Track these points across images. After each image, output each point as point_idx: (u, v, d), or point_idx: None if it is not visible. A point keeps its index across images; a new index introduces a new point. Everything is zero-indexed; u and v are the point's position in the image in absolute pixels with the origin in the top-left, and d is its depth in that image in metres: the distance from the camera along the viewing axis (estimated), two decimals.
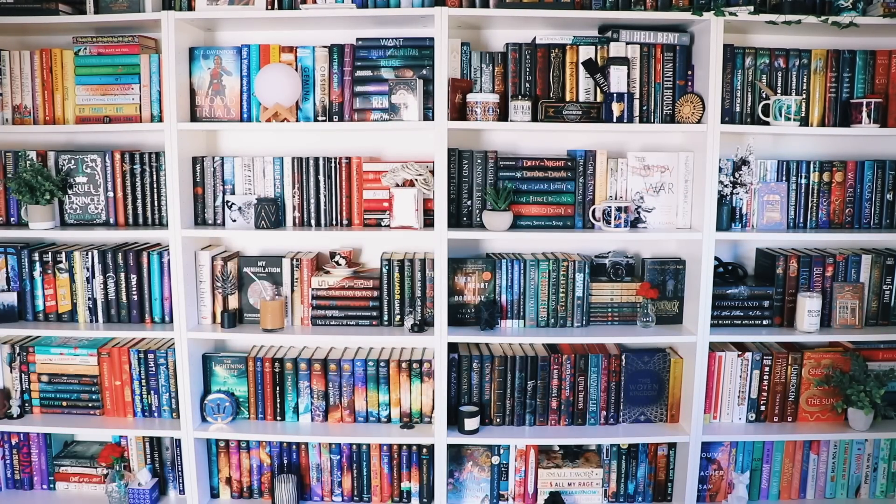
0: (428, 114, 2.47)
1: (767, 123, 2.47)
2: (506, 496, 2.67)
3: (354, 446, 2.65)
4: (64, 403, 2.64)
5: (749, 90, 2.51)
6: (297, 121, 2.52)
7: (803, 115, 2.50)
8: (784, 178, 2.55)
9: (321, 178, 2.55)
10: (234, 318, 2.55)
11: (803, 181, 2.56)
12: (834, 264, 2.55)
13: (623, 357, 2.58)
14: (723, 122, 2.44)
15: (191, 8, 2.46)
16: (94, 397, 2.63)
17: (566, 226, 2.55)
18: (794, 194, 2.56)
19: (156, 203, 2.57)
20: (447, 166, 2.43)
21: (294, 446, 2.66)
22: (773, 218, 2.53)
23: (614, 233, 2.48)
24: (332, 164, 2.55)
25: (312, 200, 2.56)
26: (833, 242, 2.70)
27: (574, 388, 2.59)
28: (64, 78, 2.51)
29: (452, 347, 2.59)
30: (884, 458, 2.67)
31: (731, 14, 2.34)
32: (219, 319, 2.58)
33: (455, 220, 2.54)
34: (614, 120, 2.44)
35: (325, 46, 2.50)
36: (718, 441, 2.61)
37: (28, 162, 2.54)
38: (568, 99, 2.51)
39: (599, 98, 2.49)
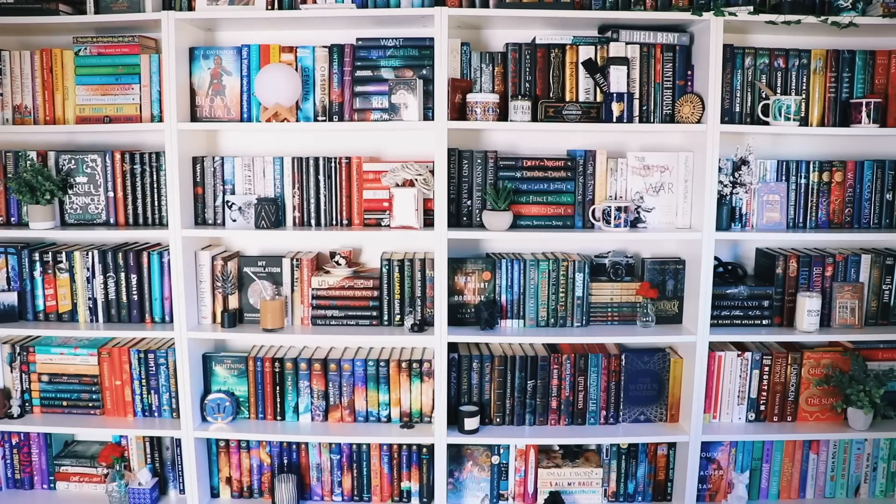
0: (428, 114, 2.48)
1: (767, 123, 2.47)
2: (506, 496, 2.67)
3: (354, 446, 2.65)
4: (64, 403, 2.64)
5: (749, 90, 2.51)
6: (297, 121, 2.52)
7: (803, 115, 2.51)
8: (784, 178, 2.55)
9: (321, 178, 2.55)
10: (234, 318, 2.56)
11: (803, 181, 2.56)
12: (833, 264, 2.56)
13: (623, 357, 2.59)
14: (722, 122, 2.44)
15: (191, 8, 2.46)
16: (94, 397, 2.64)
17: (566, 226, 2.55)
18: (793, 194, 2.56)
19: (156, 203, 2.57)
20: (447, 166, 2.43)
21: (294, 446, 2.67)
22: (772, 218, 2.54)
23: (614, 233, 2.48)
24: (332, 164, 2.55)
25: (312, 200, 2.56)
26: (833, 242, 2.71)
27: (574, 387, 2.59)
28: (64, 78, 2.52)
29: (452, 347, 2.59)
30: (883, 457, 2.67)
31: (730, 14, 2.34)
32: (219, 319, 2.58)
33: (455, 220, 2.54)
34: (614, 120, 2.44)
35: (325, 46, 2.50)
36: (718, 441, 2.61)
37: (28, 162, 2.55)
38: (568, 99, 2.51)
39: (599, 98, 2.49)
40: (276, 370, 2.62)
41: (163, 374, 2.61)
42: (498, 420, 2.60)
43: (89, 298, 2.59)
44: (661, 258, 2.62)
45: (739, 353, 2.58)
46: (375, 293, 2.58)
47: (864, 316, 2.57)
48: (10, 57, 2.51)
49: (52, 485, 2.74)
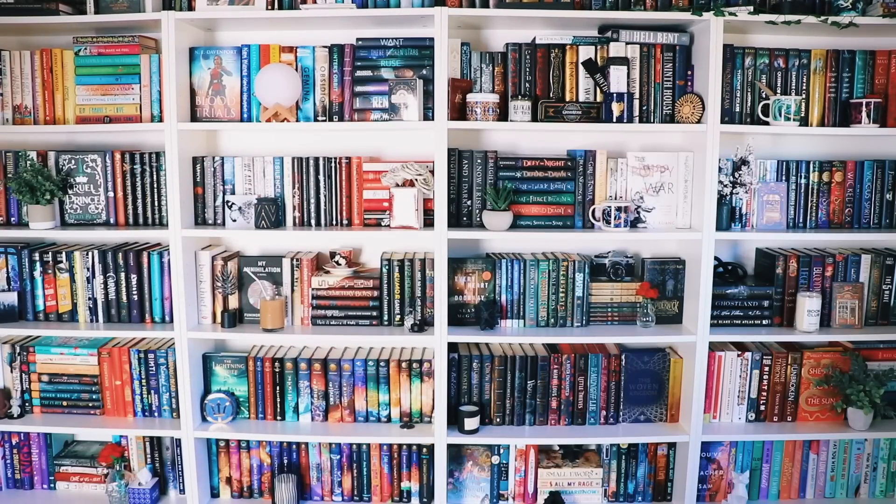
0: (428, 114, 2.48)
1: (767, 123, 2.47)
2: (506, 496, 2.67)
3: (354, 446, 2.65)
4: (64, 403, 2.64)
5: (749, 90, 2.51)
6: (297, 121, 2.52)
7: (803, 115, 2.51)
8: (784, 178, 2.55)
9: (321, 178, 2.55)
10: (234, 318, 2.56)
11: (803, 181, 2.56)
12: (833, 264, 2.56)
13: (623, 357, 2.59)
14: (722, 122, 2.44)
15: (191, 8, 2.47)
16: (94, 397, 2.64)
17: (566, 226, 2.55)
18: (793, 194, 2.56)
19: (156, 203, 2.57)
20: (447, 166, 2.43)
21: (294, 446, 2.67)
22: (772, 218, 2.54)
23: (614, 233, 2.48)
24: (332, 164, 2.55)
25: (312, 200, 2.56)
26: (833, 242, 2.71)
27: (574, 387, 2.59)
28: (64, 78, 2.52)
29: (452, 347, 2.59)
30: (883, 457, 2.67)
31: (730, 14, 2.34)
32: (219, 319, 2.58)
33: (455, 220, 2.54)
34: (614, 120, 2.44)
35: (325, 46, 2.50)
36: (718, 441, 2.61)
37: (28, 162, 2.55)
38: (568, 99, 2.51)
39: (599, 98, 2.49)
40: (276, 370, 2.62)
41: (163, 374, 2.61)
42: (498, 420, 2.60)
43: (89, 298, 2.59)
44: (661, 258, 2.62)
45: (739, 353, 2.58)
46: (375, 293, 2.58)
47: (864, 316, 2.57)
48: (10, 57, 2.51)
49: (52, 485, 2.74)
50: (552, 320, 2.57)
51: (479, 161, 2.52)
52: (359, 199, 2.56)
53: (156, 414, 2.65)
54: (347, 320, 2.59)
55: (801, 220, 2.58)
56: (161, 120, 2.49)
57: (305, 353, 2.67)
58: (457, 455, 2.64)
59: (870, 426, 2.54)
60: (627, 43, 2.48)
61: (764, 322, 2.56)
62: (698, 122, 2.44)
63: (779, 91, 2.51)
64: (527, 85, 2.50)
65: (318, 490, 2.69)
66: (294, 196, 2.57)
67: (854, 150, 2.67)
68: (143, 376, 2.62)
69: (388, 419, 2.64)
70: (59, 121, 2.53)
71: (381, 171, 2.53)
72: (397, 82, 2.42)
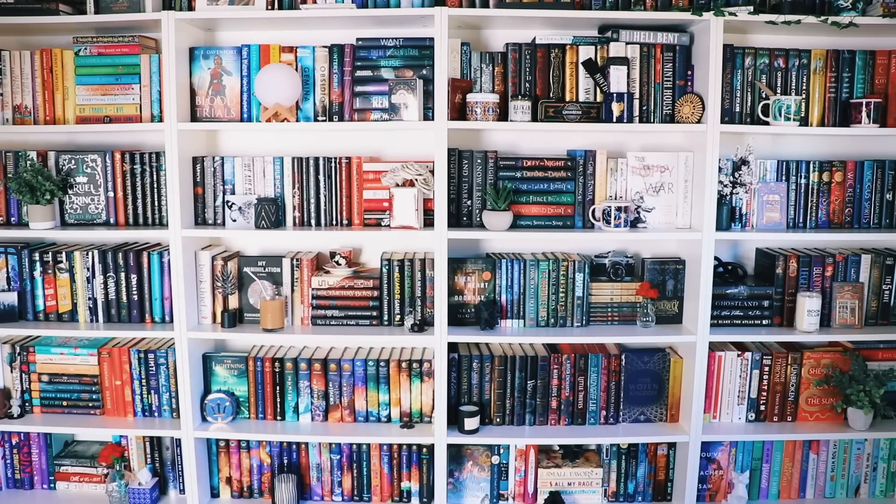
0: (428, 114, 2.48)
1: (767, 123, 2.47)
2: (506, 496, 2.67)
3: (354, 446, 2.65)
4: (64, 403, 2.64)
5: (749, 90, 2.51)
6: (297, 121, 2.52)
7: (803, 115, 2.51)
8: (784, 178, 2.55)
9: (321, 178, 2.56)
10: (234, 318, 2.56)
11: (803, 181, 2.56)
12: (833, 264, 2.56)
13: (623, 357, 2.59)
14: (722, 122, 2.44)
15: (191, 8, 2.47)
16: (94, 397, 2.64)
17: (566, 226, 2.55)
18: (793, 194, 2.56)
19: (156, 203, 2.57)
20: (447, 166, 2.43)
21: (294, 446, 2.67)
22: (772, 218, 2.54)
23: (614, 233, 2.48)
24: (332, 164, 2.55)
25: (312, 200, 2.56)
26: (833, 242, 2.71)
27: (574, 387, 2.59)
28: (64, 78, 2.52)
29: (452, 347, 2.59)
30: (883, 457, 2.67)
31: (730, 14, 2.34)
32: (219, 319, 2.58)
33: (455, 220, 2.54)
34: (614, 120, 2.44)
35: (325, 46, 2.50)
36: (718, 441, 2.61)
37: (28, 162, 2.55)
38: (568, 99, 2.51)
39: (599, 98, 2.49)
40: (276, 370, 2.62)
41: (163, 374, 2.61)
42: (498, 420, 2.60)
43: (89, 298, 2.59)
44: (661, 258, 2.62)
45: (739, 353, 2.58)
46: (375, 293, 2.58)
47: (864, 316, 2.57)
48: (10, 57, 2.51)
49: (52, 485, 2.74)
50: (552, 320, 2.57)
51: (479, 161, 2.52)
52: (359, 199, 2.56)
53: (156, 414, 2.65)
54: (347, 320, 2.59)
55: (801, 220, 2.58)
56: (161, 120, 2.49)
57: (305, 353, 2.67)
58: (457, 455, 2.64)
59: (870, 426, 2.54)
60: (627, 43, 2.48)
61: (764, 322, 2.56)
62: (698, 122, 2.44)
63: (779, 91, 2.51)
64: (527, 85, 2.50)
65: (318, 490, 2.69)
66: (294, 196, 2.57)
67: (854, 150, 2.67)
68: (143, 376, 2.62)
69: (388, 419, 2.64)
70: (59, 121, 2.53)
71: (381, 171, 2.53)
72: (397, 82, 2.42)
